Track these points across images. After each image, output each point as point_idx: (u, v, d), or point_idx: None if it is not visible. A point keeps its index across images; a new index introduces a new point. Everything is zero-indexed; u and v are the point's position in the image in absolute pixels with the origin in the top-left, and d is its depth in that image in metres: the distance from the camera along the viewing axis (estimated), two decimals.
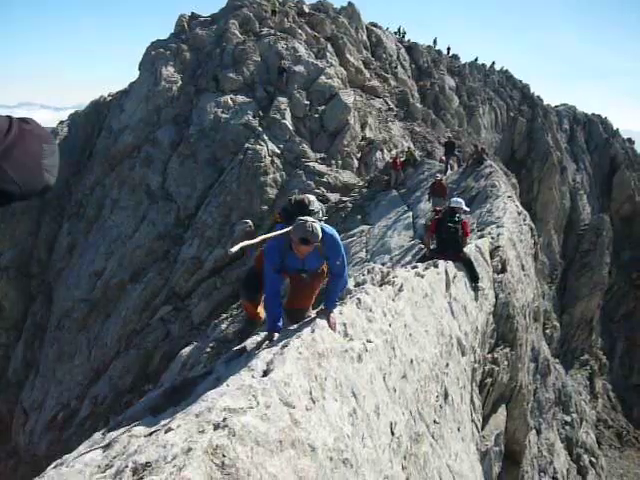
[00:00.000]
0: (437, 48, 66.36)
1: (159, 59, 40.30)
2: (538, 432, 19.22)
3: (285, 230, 4.82)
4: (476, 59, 71.02)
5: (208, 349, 22.15)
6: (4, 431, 33.11)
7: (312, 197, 5.34)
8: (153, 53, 41.29)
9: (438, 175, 24.84)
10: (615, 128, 72.00)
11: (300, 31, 43.22)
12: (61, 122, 47.26)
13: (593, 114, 72.80)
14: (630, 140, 72.04)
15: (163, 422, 3.34)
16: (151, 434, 3.14)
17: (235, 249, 4.37)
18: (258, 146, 33.22)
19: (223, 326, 23.71)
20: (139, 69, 42.23)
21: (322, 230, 4.72)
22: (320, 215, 5.20)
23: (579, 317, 47.39)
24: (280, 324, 4.83)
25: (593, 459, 28.92)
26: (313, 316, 4.93)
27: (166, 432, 2.96)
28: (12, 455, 30.84)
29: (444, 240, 10.69)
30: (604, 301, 50.52)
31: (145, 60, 41.90)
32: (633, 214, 57.78)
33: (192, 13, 46.72)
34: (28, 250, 38.54)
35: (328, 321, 4.72)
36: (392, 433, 4.82)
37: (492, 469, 10.06)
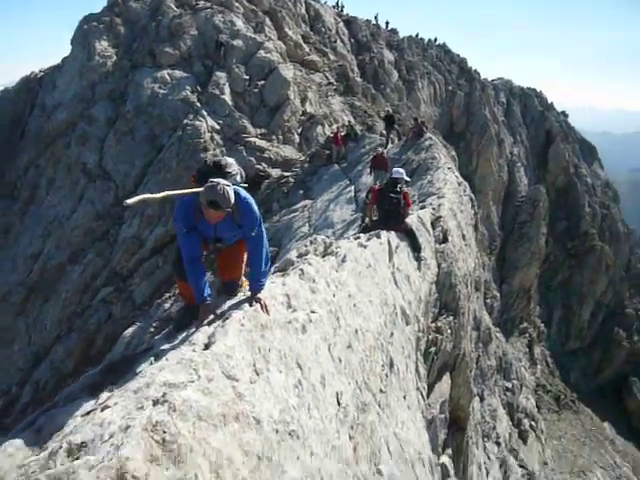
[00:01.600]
0: (375, 23, 66.22)
1: (92, 33, 39.09)
2: (481, 399, 19.70)
3: (194, 190, 4.37)
4: (417, 35, 71.33)
5: (152, 329, 21.88)
6: None
7: (231, 160, 4.93)
8: (86, 27, 40.00)
9: (379, 149, 24.86)
10: (550, 101, 73.51)
11: (237, 4, 42.44)
12: None
13: (529, 88, 74.04)
14: (564, 113, 73.72)
15: (100, 400, 3.22)
16: (88, 413, 3.02)
17: (132, 201, 3.90)
18: (197, 122, 32.69)
19: (166, 305, 23.43)
20: (71, 44, 40.87)
21: (237, 195, 4.33)
22: (238, 179, 4.80)
23: (518, 286, 48.65)
24: (207, 292, 4.42)
25: (533, 423, 29.91)
26: (243, 298, 4.54)
27: (102, 410, 2.85)
28: None
29: (386, 211, 10.68)
30: (541, 270, 51.94)
31: (77, 34, 40.56)
32: (567, 185, 59.35)
33: None
34: None
35: (259, 304, 4.33)
36: (338, 403, 4.79)
37: (438, 436, 10.22)
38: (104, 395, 3.31)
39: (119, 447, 2.47)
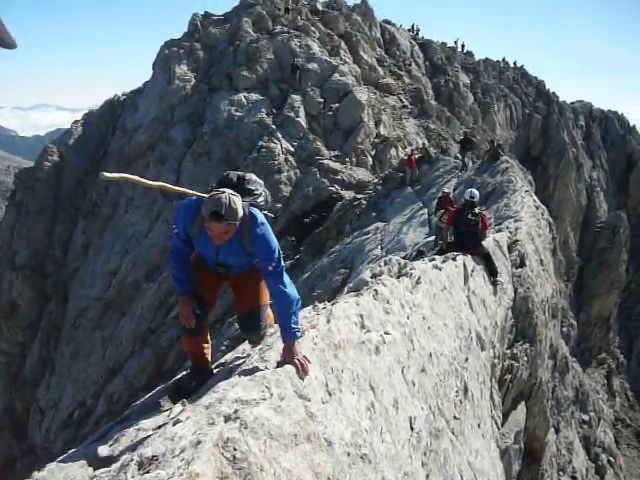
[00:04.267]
0: (451, 45, 65.94)
1: (172, 58, 40.40)
2: (557, 430, 18.98)
3: (199, 194, 3.77)
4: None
5: (223, 347, 22.08)
6: (21, 429, 33.29)
7: (256, 178, 4.10)
8: (167, 52, 41.40)
9: (445, 189, 24.11)
10: (632, 124, 71.27)
11: (313, 29, 43.13)
12: (75, 122, 47.47)
13: (609, 110, 72.07)
14: None
15: (172, 415, 3.20)
16: (159, 427, 3.00)
17: (110, 175, 3.36)
18: (272, 144, 33.14)
19: (237, 325, 23.67)
20: (153, 68, 42.41)
21: (251, 215, 3.63)
22: (260, 201, 3.98)
23: (596, 315, 46.95)
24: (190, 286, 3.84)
25: (611, 458, 28.63)
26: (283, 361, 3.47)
27: (174, 424, 2.82)
28: (28, 453, 31.00)
29: (463, 233, 10.45)
30: (621, 299, 50.01)
31: (159, 59, 42.04)
32: None
33: (205, 12, 46.78)
34: (43, 249, 38.71)
35: (292, 361, 3.39)
36: (411, 428, 4.65)
37: (512, 467, 9.87)
38: (176, 409, 3.29)
39: (190, 462, 2.42)
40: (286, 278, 3.67)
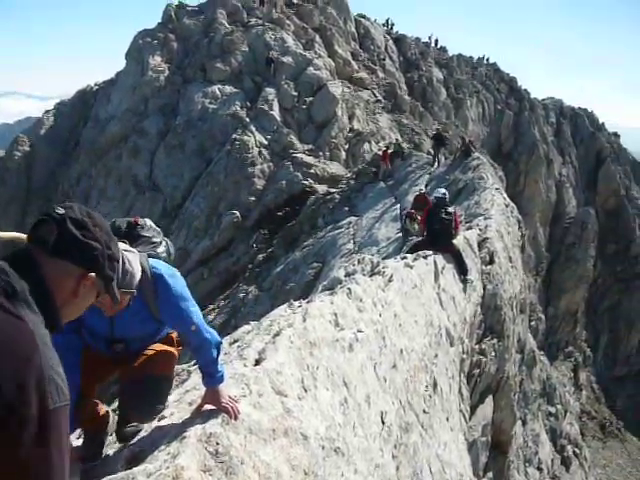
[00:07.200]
0: (425, 40, 66.20)
1: (146, 48, 40.09)
2: (524, 423, 19.33)
3: None
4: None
5: None
6: None
7: (151, 223, 3.26)
8: (140, 42, 41.06)
9: (422, 188, 23.94)
10: (601, 122, 72.32)
11: (288, 22, 43.06)
12: (47, 111, 46.87)
13: (579, 108, 72.95)
14: (616, 134, 72.35)
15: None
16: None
17: None
18: (245, 137, 33.10)
19: (210, 317, 23.65)
20: (126, 58, 41.99)
21: (155, 273, 2.86)
22: (161, 251, 3.20)
23: (564, 310, 47.73)
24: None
25: (577, 450, 29.12)
26: (203, 405, 2.97)
27: (159, 420, 2.95)
28: None
29: (435, 231, 10.63)
30: (589, 294, 50.86)
31: (132, 49, 41.67)
32: (618, 208, 58.03)
33: (179, 2, 46.42)
34: None
35: (219, 405, 2.86)
36: (382, 422, 4.82)
37: (479, 459, 10.13)
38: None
39: (175, 456, 2.55)
40: (207, 327, 2.97)
